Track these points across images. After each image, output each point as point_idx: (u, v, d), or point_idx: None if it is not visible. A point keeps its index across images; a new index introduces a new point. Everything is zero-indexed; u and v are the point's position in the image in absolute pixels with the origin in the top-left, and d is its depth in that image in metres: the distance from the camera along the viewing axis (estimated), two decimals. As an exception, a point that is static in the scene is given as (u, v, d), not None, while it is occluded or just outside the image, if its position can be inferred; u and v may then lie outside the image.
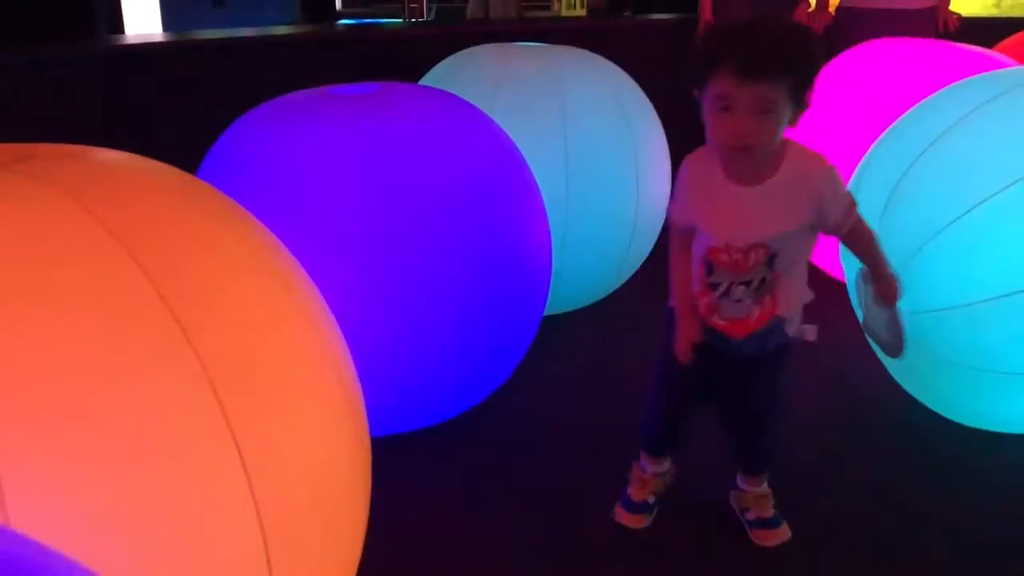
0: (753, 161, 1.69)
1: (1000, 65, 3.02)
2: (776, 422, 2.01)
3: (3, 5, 4.69)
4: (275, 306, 1.21)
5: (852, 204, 1.74)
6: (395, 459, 2.24)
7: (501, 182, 2.33)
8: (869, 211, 2.23)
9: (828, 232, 1.76)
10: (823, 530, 2.06)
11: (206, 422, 1.03)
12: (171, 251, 1.11)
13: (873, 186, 2.31)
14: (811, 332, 1.86)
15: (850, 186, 2.43)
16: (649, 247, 3.19)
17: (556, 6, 9.45)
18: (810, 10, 4.22)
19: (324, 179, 2.09)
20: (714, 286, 1.80)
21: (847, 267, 2.46)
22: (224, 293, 1.13)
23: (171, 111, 3.80)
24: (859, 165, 2.45)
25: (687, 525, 2.08)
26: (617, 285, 3.22)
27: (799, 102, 1.63)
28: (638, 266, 3.22)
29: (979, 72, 2.77)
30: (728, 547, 2.02)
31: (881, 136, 2.42)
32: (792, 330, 1.85)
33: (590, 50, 3.21)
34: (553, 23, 6.56)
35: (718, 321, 1.83)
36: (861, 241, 1.82)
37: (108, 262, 1.04)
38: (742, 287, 1.78)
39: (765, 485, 2.06)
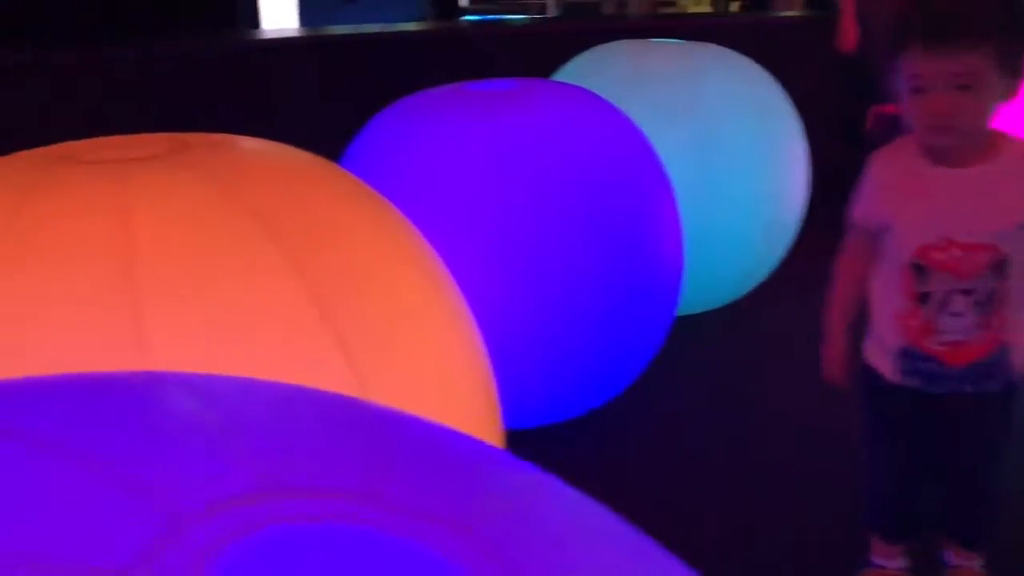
0: (960, 146, 1.44)
1: None
2: (997, 482, 1.65)
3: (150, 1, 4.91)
4: (418, 297, 1.20)
5: None
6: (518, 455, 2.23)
7: (636, 179, 2.30)
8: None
9: None
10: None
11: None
12: (318, 240, 1.11)
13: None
14: None
15: None
16: (784, 249, 3.09)
17: (682, 2, 9.30)
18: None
19: (462, 174, 2.10)
20: (925, 297, 1.48)
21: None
22: (369, 283, 1.13)
23: (303, 105, 3.89)
24: None
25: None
26: (748, 288, 3.13)
27: (1010, 71, 1.36)
28: (771, 269, 3.12)
29: None
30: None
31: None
32: (1020, 367, 1.53)
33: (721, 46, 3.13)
34: (683, 19, 6.45)
35: (934, 346, 1.50)
36: None
37: (255, 248, 1.05)
38: (962, 297, 1.47)
39: (982, 562, 1.69)
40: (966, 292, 1.47)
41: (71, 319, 0.96)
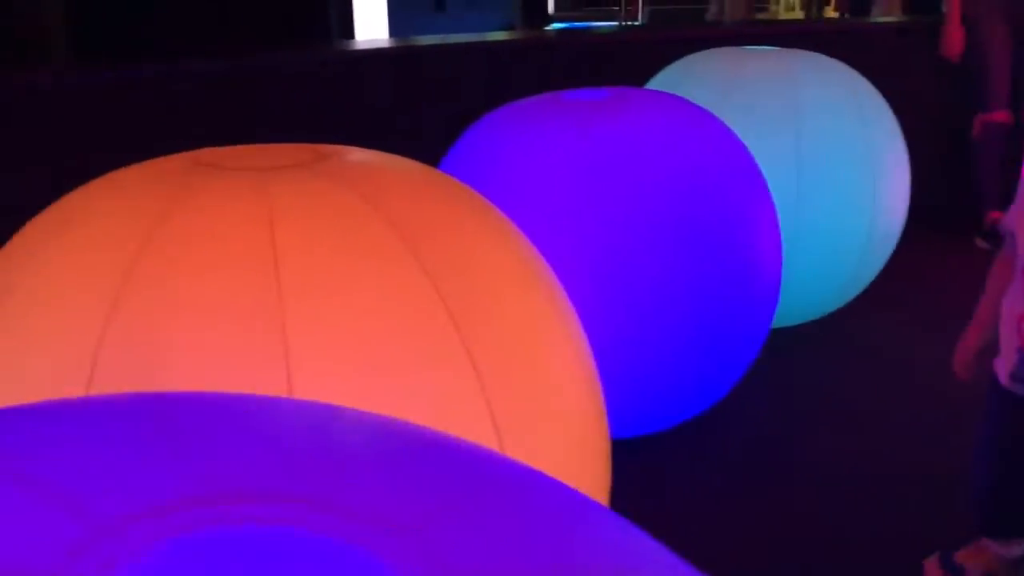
0: None
1: None
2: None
3: (246, 13, 5.04)
4: (539, 309, 1.23)
5: None
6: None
7: (733, 188, 2.27)
8: None
9: None
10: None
11: (473, 418, 1.04)
12: (452, 254, 1.15)
13: None
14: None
15: None
16: (884, 260, 3.00)
17: (773, 8, 9.15)
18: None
19: (559, 185, 2.12)
20: None
21: None
22: (496, 297, 1.16)
23: (396, 116, 3.95)
24: None
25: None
26: (847, 300, 3.04)
27: None
28: (870, 280, 3.03)
29: None
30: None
31: None
32: None
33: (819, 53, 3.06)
34: (776, 25, 6.33)
35: None
36: None
37: (394, 261, 1.08)
38: None
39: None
40: None
41: (218, 328, 1.00)
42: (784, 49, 3.15)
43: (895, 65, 3.81)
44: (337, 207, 1.12)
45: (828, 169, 2.75)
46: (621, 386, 2.11)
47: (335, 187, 1.15)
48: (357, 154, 1.32)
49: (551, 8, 10.35)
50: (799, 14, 8.90)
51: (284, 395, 0.97)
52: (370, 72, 3.99)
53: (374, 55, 4.17)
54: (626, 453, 2.25)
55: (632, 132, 2.19)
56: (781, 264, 2.43)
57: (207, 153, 1.31)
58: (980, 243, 3.87)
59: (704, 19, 7.47)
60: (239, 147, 1.36)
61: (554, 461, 1.15)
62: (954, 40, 3.84)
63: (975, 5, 3.80)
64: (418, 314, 1.05)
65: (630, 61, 3.61)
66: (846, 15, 7.41)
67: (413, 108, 3.99)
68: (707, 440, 2.40)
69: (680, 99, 2.44)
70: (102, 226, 1.10)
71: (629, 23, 7.50)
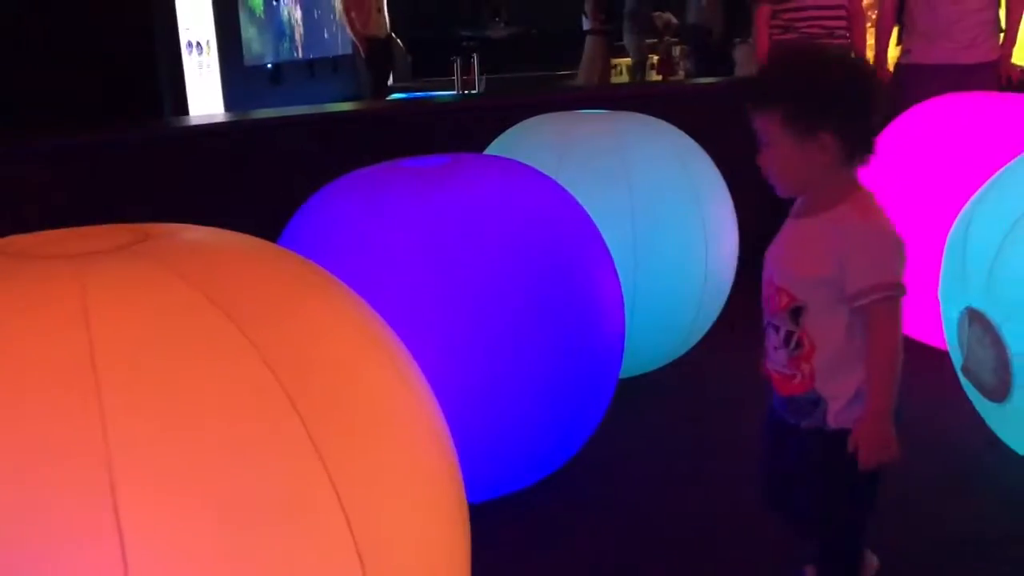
0: (805, 198, 1.67)
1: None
2: (832, 531, 1.78)
3: (75, 89, 4.87)
4: (380, 376, 1.21)
5: (882, 286, 1.56)
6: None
7: (573, 246, 2.34)
8: (983, 251, 2.22)
9: (846, 301, 1.58)
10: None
11: (314, 489, 1.02)
12: (285, 329, 1.11)
13: (991, 222, 2.27)
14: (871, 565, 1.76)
15: (959, 224, 2.38)
16: (719, 307, 3.15)
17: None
18: (869, 67, 4.21)
19: (399, 252, 2.12)
20: (765, 325, 1.73)
21: (946, 305, 2.40)
22: (341, 375, 1.13)
23: (236, 190, 3.88)
24: (963, 213, 2.39)
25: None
26: (687, 347, 3.17)
27: (807, 132, 1.55)
28: (708, 327, 3.17)
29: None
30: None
31: (994, 177, 2.37)
32: (834, 420, 1.64)
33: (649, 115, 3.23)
34: (605, 90, 6.63)
35: (767, 366, 1.73)
36: (871, 337, 1.58)
37: (222, 341, 1.04)
38: (773, 332, 1.68)
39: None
40: (775, 328, 1.68)
41: (34, 422, 0.93)
42: (611, 112, 3.30)
43: (717, 124, 4.04)
44: (159, 293, 1.06)
45: (661, 222, 2.87)
46: (476, 448, 2.12)
47: (157, 270, 1.09)
48: (185, 232, 1.26)
49: (390, 80, 10.44)
50: (655, 77, 9.29)
51: (109, 513, 0.90)
52: (204, 147, 3.92)
53: (207, 130, 4.10)
54: (489, 514, 2.25)
55: (470, 196, 2.22)
56: (624, 316, 2.51)
57: (19, 240, 1.23)
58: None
59: (535, 87, 7.79)
60: (51, 232, 1.27)
61: (412, 535, 1.14)
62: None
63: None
64: (249, 391, 1.01)
65: (469, 128, 3.69)
66: (667, 79, 7.86)
67: (252, 182, 3.93)
68: (565, 493, 2.43)
69: (515, 162, 2.50)
70: None
71: (467, 91, 7.68)
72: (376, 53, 7.59)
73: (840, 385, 1.63)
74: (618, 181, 2.88)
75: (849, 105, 1.58)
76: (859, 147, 1.61)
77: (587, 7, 8.27)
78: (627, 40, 8.94)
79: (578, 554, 2.18)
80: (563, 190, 2.46)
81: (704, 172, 3.11)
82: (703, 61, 7.89)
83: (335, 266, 2.05)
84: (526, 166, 2.48)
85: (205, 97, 6.57)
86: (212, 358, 1.03)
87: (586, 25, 8.33)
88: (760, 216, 3.92)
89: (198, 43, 6.50)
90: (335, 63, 9.64)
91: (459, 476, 1.32)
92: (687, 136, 3.17)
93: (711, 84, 5.60)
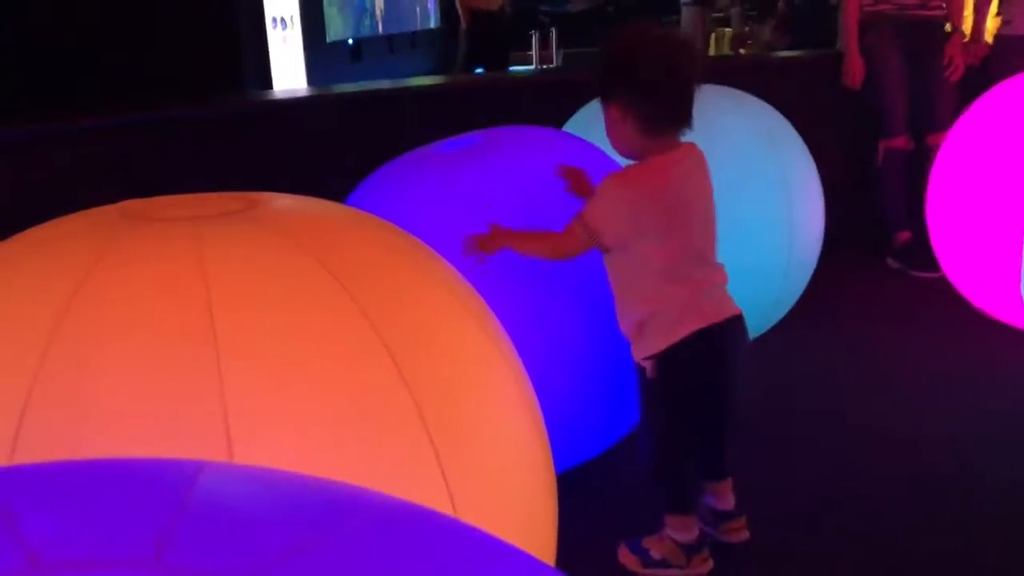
0: None
1: None
2: (647, 452, 1.94)
3: (159, 66, 4.99)
4: (481, 346, 1.24)
5: (579, 215, 1.85)
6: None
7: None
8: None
9: None
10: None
11: (417, 460, 1.05)
12: (389, 296, 1.15)
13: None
14: (649, 368, 1.87)
15: None
16: (803, 286, 3.08)
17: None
18: (965, 40, 4.05)
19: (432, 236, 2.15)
20: None
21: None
22: (439, 337, 1.17)
23: (317, 163, 3.94)
24: None
25: None
26: (771, 323, 3.11)
27: (622, 107, 1.79)
28: (791, 306, 3.10)
29: None
30: None
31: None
32: (636, 353, 1.87)
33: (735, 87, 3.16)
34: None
35: None
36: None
37: (332, 304, 1.08)
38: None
39: (662, 531, 1.95)
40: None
41: (152, 389, 0.97)
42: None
43: (804, 97, 3.94)
44: (272, 254, 1.10)
45: (746, 199, 2.82)
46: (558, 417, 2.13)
47: (268, 234, 1.14)
48: (286, 200, 1.31)
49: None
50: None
51: (224, 458, 0.95)
52: (287, 120, 3.98)
53: (289, 104, 4.17)
54: (573, 480, 2.26)
55: (513, 168, 2.24)
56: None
57: (135, 204, 1.28)
58: (891, 263, 4.02)
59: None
60: (167, 197, 1.33)
61: (503, 499, 1.16)
62: (854, 71, 4.01)
63: (870, 37, 3.98)
64: (362, 364, 1.04)
65: (546, 102, 3.67)
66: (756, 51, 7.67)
67: (335, 155, 3.99)
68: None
69: (552, 131, 2.51)
70: (28, 282, 1.07)
71: (544, 66, 7.64)
72: (479, 26, 7.37)
73: (625, 324, 1.89)
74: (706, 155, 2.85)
75: (637, 81, 1.79)
76: (657, 119, 1.81)
77: None
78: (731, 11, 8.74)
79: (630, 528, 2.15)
80: (610, 159, 2.43)
81: (792, 148, 3.05)
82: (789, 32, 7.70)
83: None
84: (571, 136, 2.48)
85: (288, 73, 6.67)
86: (320, 316, 1.07)
87: None
88: (844, 193, 3.85)
89: (282, 19, 6.60)
90: (413, 38, 9.69)
91: (547, 440, 1.33)
92: (774, 109, 3.11)
93: (799, 56, 5.46)
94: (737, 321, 1.90)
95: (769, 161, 2.93)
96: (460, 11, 7.36)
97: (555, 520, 1.36)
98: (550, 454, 1.34)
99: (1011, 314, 2.91)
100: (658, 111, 1.83)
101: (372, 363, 1.05)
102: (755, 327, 3.08)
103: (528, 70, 7.06)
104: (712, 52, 7.40)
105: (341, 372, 1.04)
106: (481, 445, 1.13)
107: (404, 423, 1.05)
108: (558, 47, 9.26)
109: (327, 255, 1.12)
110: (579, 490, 2.29)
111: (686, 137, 2.52)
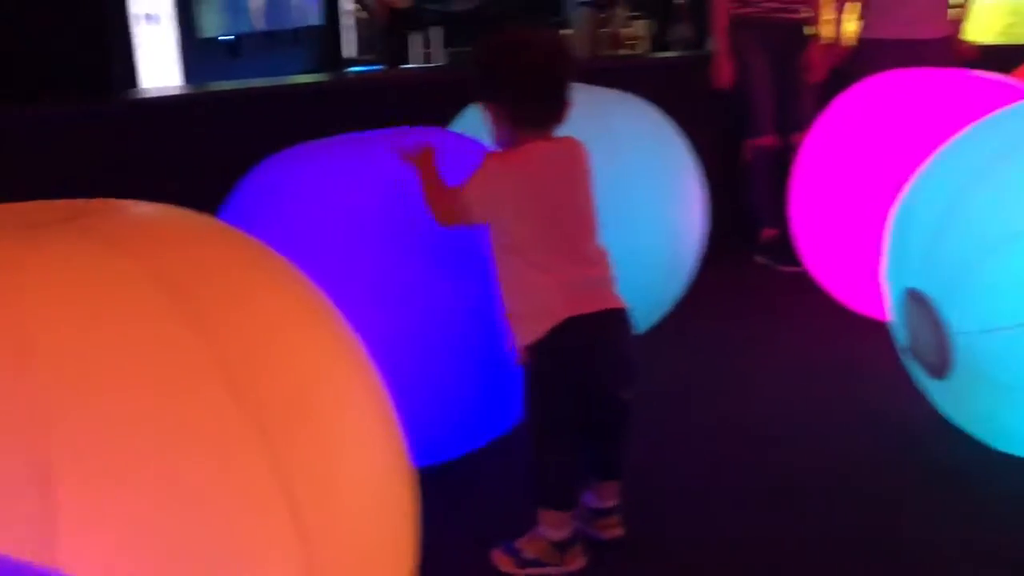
0: None
1: (1018, 93, 3.01)
2: (531, 438, 1.97)
3: (20, 64, 4.76)
4: (327, 353, 1.22)
5: (460, 186, 1.94)
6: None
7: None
8: (921, 229, 2.25)
9: None
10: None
11: (256, 475, 1.02)
12: (224, 304, 1.11)
13: (929, 203, 2.31)
14: (523, 358, 1.91)
15: (902, 204, 2.41)
16: (687, 279, 3.16)
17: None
18: (826, 43, 4.23)
19: (332, 225, 2.13)
20: None
21: (889, 285, 2.43)
22: (278, 344, 1.14)
23: (188, 164, 3.83)
24: (904, 191, 2.42)
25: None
26: (651, 322, 3.16)
27: (493, 107, 1.93)
28: (676, 299, 3.17)
29: (1001, 99, 2.77)
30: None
31: (933, 157, 2.40)
32: (516, 344, 1.93)
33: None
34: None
35: None
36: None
37: (159, 315, 1.04)
38: None
39: (535, 529, 1.98)
40: None
41: None
42: (587, 85, 3.27)
43: (680, 96, 4.02)
44: (97, 264, 1.06)
45: (629, 196, 2.85)
46: (427, 413, 2.10)
47: (92, 243, 1.09)
48: (123, 208, 1.26)
49: (354, 51, 10.34)
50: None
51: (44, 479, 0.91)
52: (153, 121, 3.86)
53: (165, 103, 4.04)
54: (441, 478, 2.26)
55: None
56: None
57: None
58: (758, 259, 4.17)
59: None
60: (3, 205, 1.27)
61: (355, 507, 1.15)
62: (724, 72, 4.14)
63: (738, 39, 4.12)
64: (187, 370, 1.02)
65: (428, 101, 3.65)
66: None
67: (208, 155, 3.88)
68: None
69: (449, 133, 2.54)
70: None
71: (428, 64, 7.60)
72: (395, 24, 7.46)
73: (506, 315, 1.95)
74: (597, 153, 2.87)
75: (500, 82, 1.91)
76: (527, 119, 1.92)
77: None
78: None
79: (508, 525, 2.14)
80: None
81: (675, 147, 3.12)
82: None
83: (272, 236, 2.09)
84: (460, 136, 2.49)
85: (160, 72, 6.44)
86: (144, 329, 1.03)
87: None
88: (724, 190, 3.95)
89: (150, 15, 6.36)
90: (296, 35, 9.50)
91: (402, 441, 1.33)
92: (658, 110, 3.17)
93: (674, 57, 5.59)
94: (614, 314, 1.93)
95: (652, 159, 2.99)
96: (376, 7, 7.40)
97: (414, 525, 1.35)
98: (406, 457, 1.33)
99: (870, 306, 3.05)
100: (526, 112, 1.93)
101: (203, 377, 1.02)
102: (641, 323, 3.13)
103: (412, 68, 7.01)
104: (605, 52, 7.50)
105: (168, 390, 1.00)
106: (326, 453, 1.12)
107: (241, 438, 1.02)
108: (444, 46, 9.23)
109: (158, 264, 1.08)
110: (462, 486, 2.31)
111: (572, 134, 2.57)
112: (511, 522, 2.05)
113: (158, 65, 6.40)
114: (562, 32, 8.14)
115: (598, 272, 1.94)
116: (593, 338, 1.89)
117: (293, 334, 1.19)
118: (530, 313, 1.90)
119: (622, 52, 6.70)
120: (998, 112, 2.37)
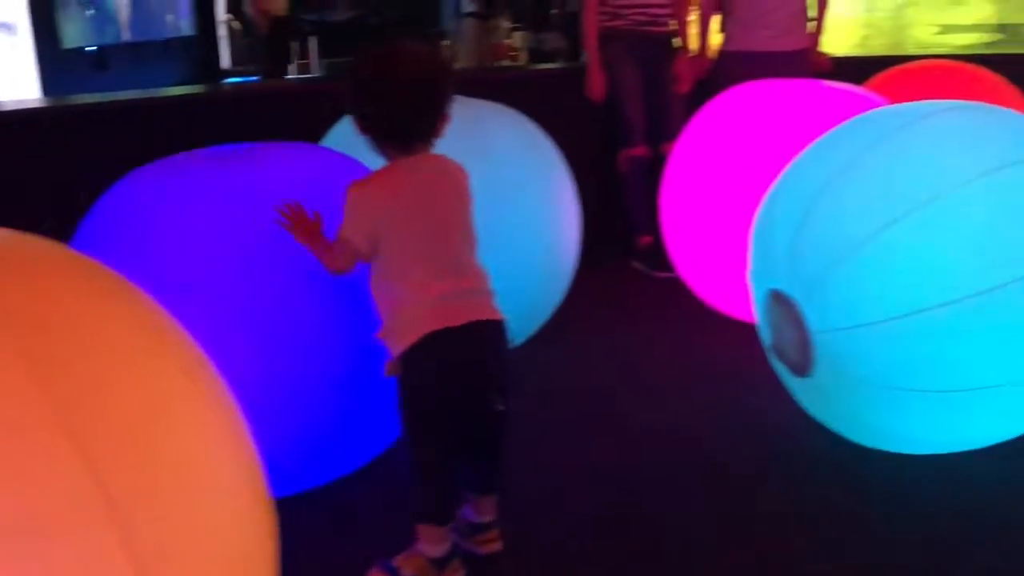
0: None
1: (871, 102, 3.17)
2: (407, 452, 1.95)
3: None
4: (166, 383, 1.16)
5: (337, 230, 1.91)
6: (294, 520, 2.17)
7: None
8: (783, 232, 2.34)
9: None
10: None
11: (89, 513, 0.97)
12: (58, 335, 1.05)
13: (787, 207, 2.39)
14: (393, 367, 1.91)
15: (764, 208, 2.50)
16: (565, 287, 3.19)
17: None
18: (692, 55, 4.37)
19: (189, 236, 2.08)
20: None
21: (754, 287, 2.52)
22: (114, 377, 1.08)
23: (53, 180, 3.66)
24: (766, 197, 2.51)
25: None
26: (532, 329, 3.18)
27: (360, 122, 1.93)
28: (554, 308, 3.21)
29: (854, 108, 2.92)
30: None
31: (790, 163, 2.50)
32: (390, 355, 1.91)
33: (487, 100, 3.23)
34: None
35: None
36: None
37: None
38: None
39: (413, 546, 1.96)
40: None
41: None
42: (463, 98, 3.27)
43: (556, 109, 4.08)
44: None
45: (504, 209, 2.86)
46: (284, 442, 2.04)
47: None
48: None
49: (227, 62, 10.11)
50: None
51: None
52: (11, 136, 3.66)
53: (13, 118, 3.84)
54: (311, 504, 2.23)
55: (264, 179, 2.19)
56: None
57: None
58: (636, 265, 4.26)
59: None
60: None
61: (202, 538, 1.10)
62: (596, 83, 4.23)
63: (608, 51, 4.21)
64: (14, 404, 0.96)
65: (311, 114, 3.58)
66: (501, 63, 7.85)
67: (73, 172, 3.72)
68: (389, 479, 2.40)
69: (316, 147, 2.50)
70: None
71: (304, 75, 7.51)
72: (276, 32, 7.24)
73: (382, 315, 1.94)
74: (472, 166, 2.86)
75: (362, 96, 1.91)
76: (386, 132, 1.92)
77: None
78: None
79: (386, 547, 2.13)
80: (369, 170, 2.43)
81: (550, 160, 3.15)
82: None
83: (123, 255, 2.00)
84: (332, 151, 2.46)
85: (17, 83, 6.14)
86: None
87: (467, 7, 8.08)
88: (603, 199, 4.02)
89: (5, 24, 6.07)
90: (166, 46, 9.22)
91: (260, 472, 1.29)
92: (532, 122, 3.19)
93: (549, 69, 5.67)
94: (487, 326, 1.91)
95: (526, 171, 3.01)
96: (256, 18, 7.24)
97: (272, 554, 1.31)
98: (262, 485, 1.30)
99: (737, 308, 3.16)
100: (389, 126, 1.92)
101: (34, 417, 0.97)
102: (518, 334, 3.15)
103: (288, 79, 6.90)
104: (488, 64, 7.52)
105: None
106: (167, 487, 1.07)
107: (72, 476, 0.96)
108: (321, 56, 9.13)
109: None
110: (340, 508, 2.26)
111: (447, 147, 2.57)
112: (389, 541, 2.02)
113: (14, 77, 6.09)
114: (442, 43, 8.17)
115: (470, 285, 1.93)
116: (462, 351, 1.88)
117: (135, 367, 1.13)
118: (399, 327, 1.89)
119: (506, 63, 6.76)
120: (851, 120, 2.49)
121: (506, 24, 9.16)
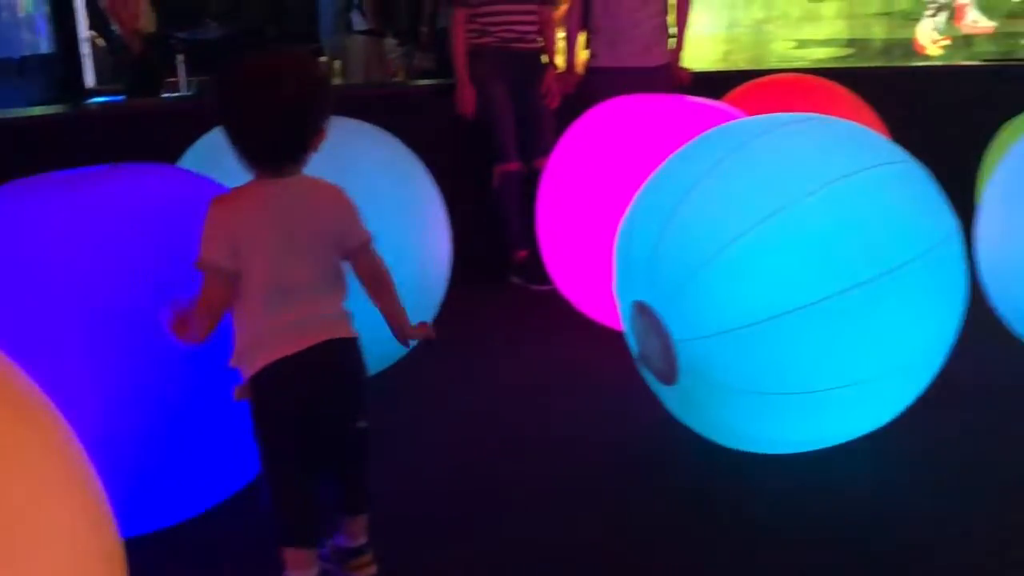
0: None
1: (728, 114, 3.30)
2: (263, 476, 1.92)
3: None
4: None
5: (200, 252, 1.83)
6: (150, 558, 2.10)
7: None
8: (642, 244, 2.40)
9: None
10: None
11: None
12: None
13: (647, 219, 2.45)
14: (242, 391, 1.88)
15: (625, 223, 2.56)
16: (436, 305, 3.19)
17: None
18: (560, 71, 4.45)
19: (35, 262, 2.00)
20: None
21: (619, 299, 2.58)
22: None
23: None
24: (628, 210, 2.58)
25: None
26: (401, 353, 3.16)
27: (227, 140, 1.85)
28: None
29: (713, 121, 3.03)
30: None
31: (652, 175, 2.56)
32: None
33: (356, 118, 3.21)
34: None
35: None
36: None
37: None
38: None
39: (284, 572, 1.91)
40: None
41: None
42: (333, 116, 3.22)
43: (425, 125, 4.08)
44: None
45: (373, 229, 2.85)
46: (135, 480, 2.00)
47: None
48: None
49: (91, 82, 9.71)
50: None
51: None
52: None
53: None
54: (187, 538, 2.16)
55: (106, 202, 2.14)
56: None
57: None
58: (514, 279, 4.31)
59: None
60: None
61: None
62: (466, 100, 4.26)
63: (477, 68, 4.25)
64: None
65: (175, 134, 3.48)
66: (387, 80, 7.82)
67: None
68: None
69: (177, 170, 2.43)
70: None
71: (174, 95, 7.30)
72: (148, 50, 6.97)
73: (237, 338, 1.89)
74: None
75: (226, 117, 1.84)
76: (250, 152, 1.85)
77: (365, 5, 7.80)
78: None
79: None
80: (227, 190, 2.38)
81: (417, 176, 3.14)
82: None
83: None
84: (184, 172, 2.40)
85: None
86: None
87: (359, 24, 7.89)
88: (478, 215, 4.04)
89: None
90: (22, 64, 8.80)
91: (107, 513, 1.24)
92: (398, 140, 3.18)
93: (416, 86, 5.67)
94: (337, 345, 1.88)
95: (393, 190, 2.99)
96: (126, 37, 6.98)
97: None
98: (109, 526, 1.25)
99: (615, 319, 3.21)
100: (248, 146, 1.85)
101: None
102: (387, 356, 3.13)
103: (155, 99, 6.69)
104: (376, 80, 7.45)
105: None
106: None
107: None
108: (191, 75, 8.88)
109: None
110: (204, 543, 2.19)
111: (315, 168, 2.54)
112: (257, 572, 1.98)
113: None
114: (320, 59, 8.07)
115: (321, 311, 1.89)
116: (311, 373, 1.85)
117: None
118: (247, 352, 1.86)
119: (396, 80, 6.73)
120: (703, 134, 2.59)
121: (392, 41, 9.12)
